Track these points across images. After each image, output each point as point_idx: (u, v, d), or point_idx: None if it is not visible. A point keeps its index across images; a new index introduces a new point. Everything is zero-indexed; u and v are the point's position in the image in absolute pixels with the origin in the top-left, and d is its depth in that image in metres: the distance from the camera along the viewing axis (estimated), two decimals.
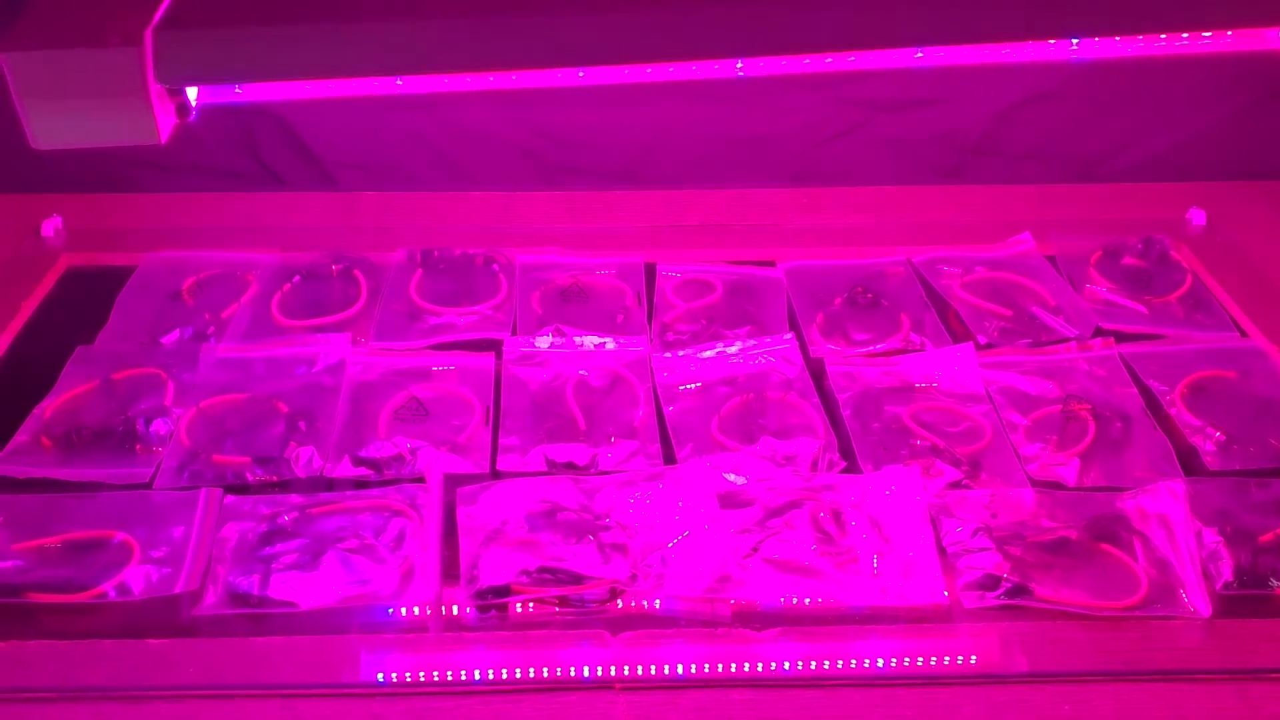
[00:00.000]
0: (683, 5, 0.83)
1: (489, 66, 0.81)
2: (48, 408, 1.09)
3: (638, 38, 0.84)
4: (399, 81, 0.80)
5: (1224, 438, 1.06)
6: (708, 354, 1.17)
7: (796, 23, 0.86)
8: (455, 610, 0.91)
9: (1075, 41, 0.83)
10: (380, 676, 0.86)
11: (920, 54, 0.85)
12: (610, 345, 1.19)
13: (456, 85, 0.83)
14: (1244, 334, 1.22)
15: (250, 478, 1.02)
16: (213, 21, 0.75)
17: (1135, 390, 1.13)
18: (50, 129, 0.76)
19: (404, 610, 0.91)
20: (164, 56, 0.75)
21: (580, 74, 0.83)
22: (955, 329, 1.23)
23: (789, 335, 1.19)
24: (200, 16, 0.76)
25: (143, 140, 0.76)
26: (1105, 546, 0.95)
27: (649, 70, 0.84)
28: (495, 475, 1.03)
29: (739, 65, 0.85)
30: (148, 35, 0.74)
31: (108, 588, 0.91)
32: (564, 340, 1.19)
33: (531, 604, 0.91)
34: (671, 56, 0.87)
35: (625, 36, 0.84)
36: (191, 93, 0.79)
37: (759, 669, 0.87)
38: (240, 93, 0.80)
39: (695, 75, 0.89)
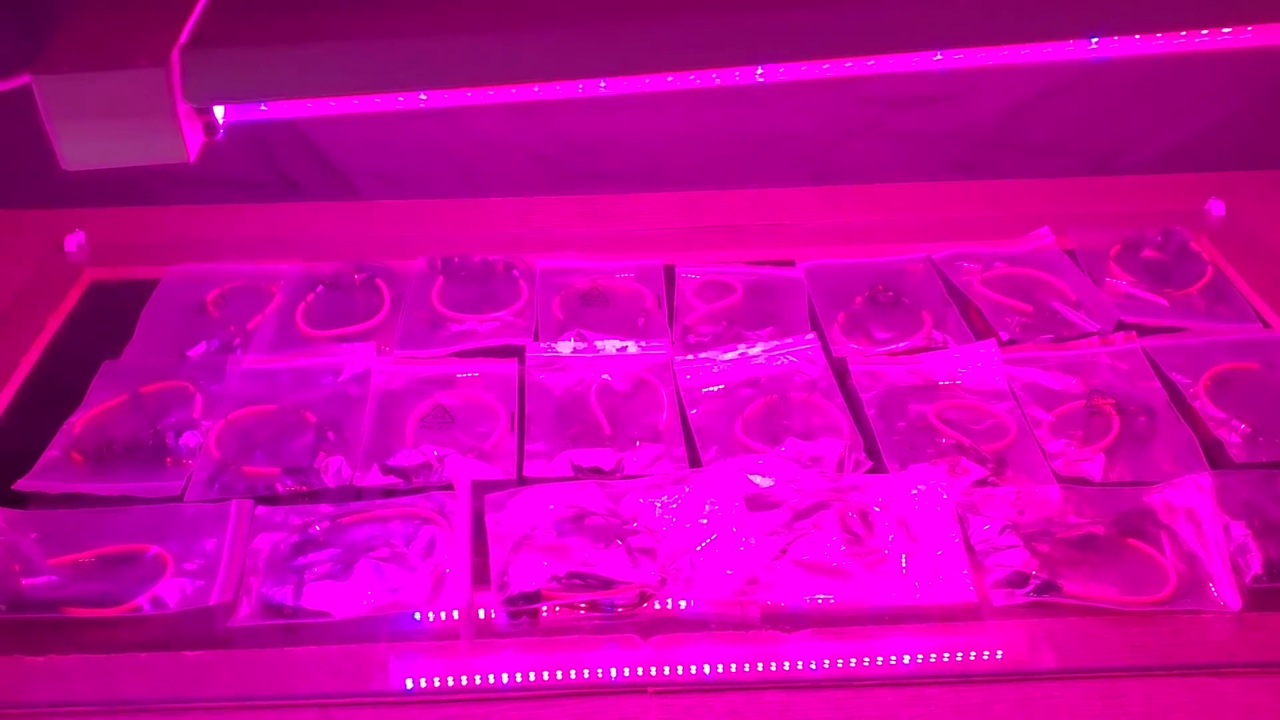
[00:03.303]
0: (698, 14, 0.84)
1: (510, 80, 0.82)
2: (77, 423, 1.10)
3: (654, 48, 0.85)
4: (423, 96, 0.80)
5: (1249, 429, 1.06)
6: (730, 356, 1.18)
7: (813, 29, 0.86)
8: (487, 616, 0.91)
9: (1094, 41, 0.83)
10: (414, 684, 0.87)
11: (939, 57, 0.85)
12: (632, 349, 1.19)
13: (479, 99, 0.83)
14: (1266, 325, 1.22)
15: (280, 488, 1.03)
16: (238, 41, 0.76)
17: (1158, 384, 1.13)
18: (80, 150, 0.77)
19: (436, 616, 0.91)
20: (191, 76, 0.75)
21: (602, 85, 0.83)
22: (977, 325, 1.23)
23: (811, 335, 1.19)
24: (226, 36, 0.76)
25: (171, 159, 0.77)
26: (1133, 541, 0.95)
27: (670, 79, 0.84)
28: (522, 481, 1.04)
29: (759, 72, 0.85)
30: (175, 56, 0.75)
31: (142, 601, 0.92)
32: (586, 345, 1.19)
33: (560, 608, 0.91)
34: (689, 65, 0.88)
35: (641, 47, 0.84)
36: (218, 111, 0.79)
37: (790, 670, 0.87)
38: (266, 110, 0.81)
39: (713, 84, 0.90)
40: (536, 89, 0.83)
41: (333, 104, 0.79)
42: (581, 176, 1.51)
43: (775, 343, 1.19)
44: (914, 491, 0.99)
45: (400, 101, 0.80)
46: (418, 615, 0.91)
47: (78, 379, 1.16)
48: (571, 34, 0.82)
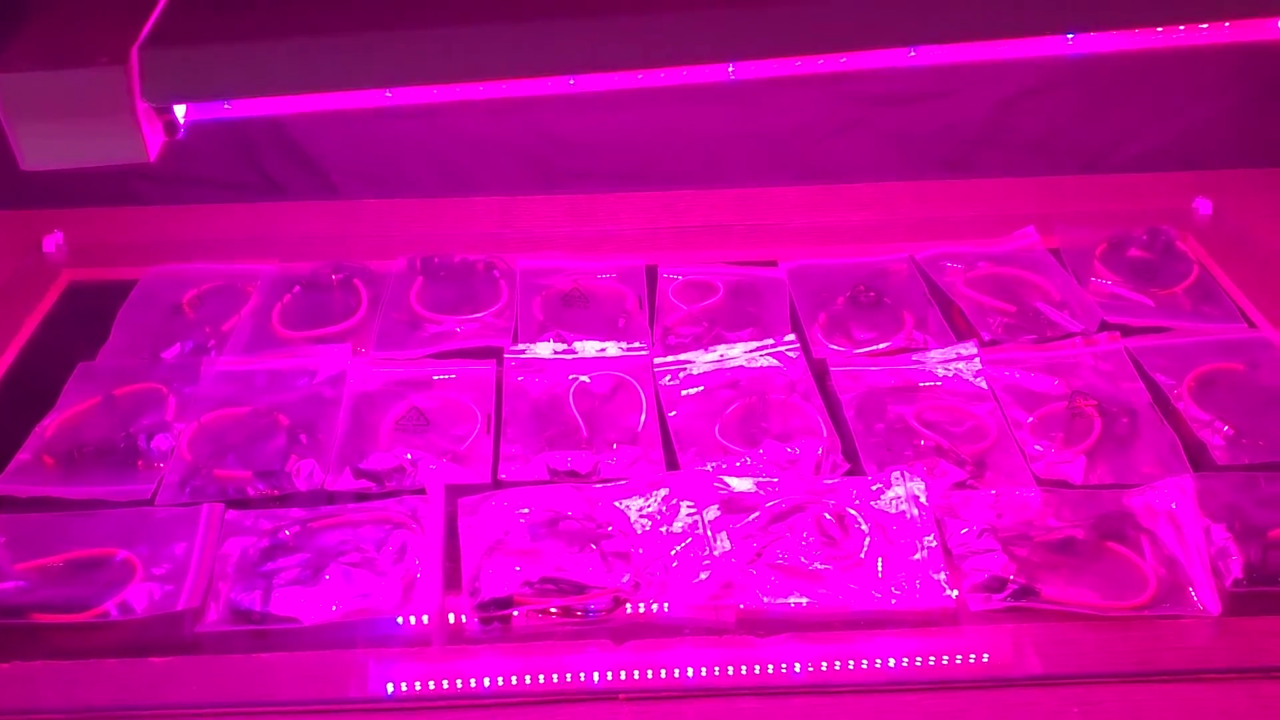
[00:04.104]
0: (680, 10, 0.83)
1: (482, 76, 0.81)
2: (49, 425, 1.09)
3: (635, 43, 0.84)
4: (388, 94, 0.79)
5: (1232, 431, 1.05)
6: (710, 357, 1.16)
7: (793, 25, 0.85)
8: (459, 619, 0.90)
9: (1070, 37, 0.82)
10: (383, 690, 0.86)
11: (913, 53, 0.84)
12: (612, 351, 1.18)
13: (448, 95, 0.82)
14: (1252, 324, 1.21)
15: (251, 492, 1.02)
16: (198, 39, 0.75)
17: (1142, 385, 1.11)
18: (39, 150, 0.76)
19: (407, 622, 0.90)
20: (150, 75, 0.74)
21: (570, 81, 0.82)
22: (959, 326, 1.22)
23: (791, 336, 1.18)
24: (186, 34, 0.75)
25: (131, 159, 0.76)
26: (1112, 545, 0.94)
27: (640, 76, 0.83)
28: (497, 484, 1.03)
29: (730, 69, 0.84)
30: (134, 55, 0.74)
31: (110, 606, 0.90)
32: (565, 347, 1.18)
33: (533, 614, 0.90)
34: (670, 61, 0.86)
35: (623, 43, 0.83)
36: (179, 110, 0.78)
37: (765, 675, 0.86)
38: (229, 109, 0.80)
39: (695, 79, 0.89)
40: (510, 85, 0.82)
41: (297, 101, 0.78)
42: (564, 175, 1.50)
43: (755, 344, 1.17)
44: (891, 494, 0.98)
45: (366, 98, 0.79)
46: (400, 620, 0.90)
47: (53, 381, 1.16)
48: (547, 29, 0.81)
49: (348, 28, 0.75)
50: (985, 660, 0.87)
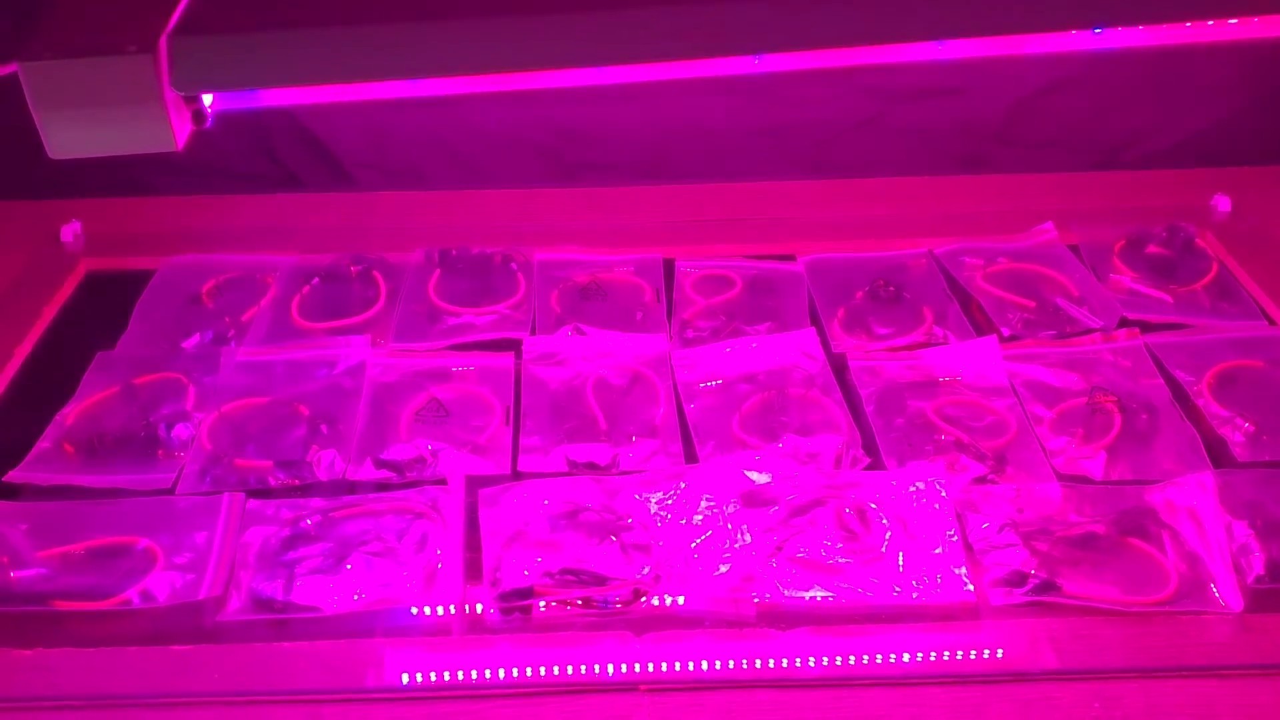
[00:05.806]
0: (698, 3, 0.83)
1: (505, 68, 0.81)
2: (70, 414, 1.09)
3: (654, 37, 0.83)
4: (415, 84, 0.79)
5: (1253, 428, 1.05)
6: (728, 350, 1.16)
7: (813, 17, 0.85)
8: (480, 609, 0.90)
9: (1097, 30, 0.82)
10: (404, 680, 0.86)
11: (939, 46, 0.83)
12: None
13: (474, 86, 0.82)
14: (1271, 321, 1.21)
15: (272, 482, 1.02)
16: (227, 28, 0.75)
17: (1161, 381, 1.11)
18: (67, 138, 0.76)
19: (428, 611, 0.90)
20: (179, 64, 0.74)
21: (593, 74, 0.82)
22: (978, 321, 1.21)
23: (810, 330, 1.18)
24: (215, 23, 0.75)
25: (159, 148, 0.76)
26: (1134, 541, 0.94)
27: (665, 69, 0.83)
28: (517, 476, 1.03)
29: (756, 60, 0.84)
30: (162, 43, 0.74)
31: (131, 594, 0.91)
32: (583, 339, 1.18)
33: (553, 605, 0.90)
34: (689, 54, 0.86)
35: (640, 36, 0.83)
36: (207, 99, 0.78)
37: (784, 668, 0.86)
38: (256, 98, 0.80)
39: (713, 72, 0.89)
40: (531, 77, 0.82)
41: (323, 91, 0.78)
42: (581, 168, 1.50)
43: (774, 338, 1.17)
44: (912, 489, 0.98)
45: (391, 88, 0.79)
46: (414, 610, 0.90)
47: (72, 370, 1.16)
48: (568, 21, 0.81)
49: (378, 18, 0.75)
50: (1005, 655, 0.87)
